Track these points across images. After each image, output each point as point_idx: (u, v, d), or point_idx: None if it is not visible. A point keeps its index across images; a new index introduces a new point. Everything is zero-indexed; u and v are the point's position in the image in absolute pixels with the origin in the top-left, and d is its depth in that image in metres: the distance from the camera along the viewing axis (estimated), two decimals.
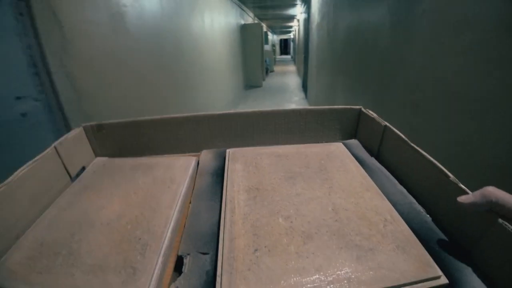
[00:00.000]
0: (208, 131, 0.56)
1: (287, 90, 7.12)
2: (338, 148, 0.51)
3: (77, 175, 0.51)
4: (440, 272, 0.29)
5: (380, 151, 0.51)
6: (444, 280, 0.28)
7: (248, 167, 0.45)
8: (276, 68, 12.13)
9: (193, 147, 0.57)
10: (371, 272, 0.29)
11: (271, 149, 0.51)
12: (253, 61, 7.04)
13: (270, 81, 8.72)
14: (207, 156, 0.52)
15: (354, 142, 0.56)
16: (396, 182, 0.44)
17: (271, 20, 10.27)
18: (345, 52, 2.23)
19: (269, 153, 0.49)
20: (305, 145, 0.53)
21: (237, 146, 0.54)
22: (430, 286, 0.28)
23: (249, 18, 7.53)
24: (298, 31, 10.02)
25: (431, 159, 0.39)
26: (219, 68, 4.14)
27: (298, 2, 6.60)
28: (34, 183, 0.43)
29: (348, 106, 0.56)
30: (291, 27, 14.14)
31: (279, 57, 19.84)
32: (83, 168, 0.53)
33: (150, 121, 0.55)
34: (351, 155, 0.49)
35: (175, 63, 2.31)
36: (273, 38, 15.96)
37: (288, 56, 20.74)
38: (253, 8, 7.14)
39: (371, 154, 0.52)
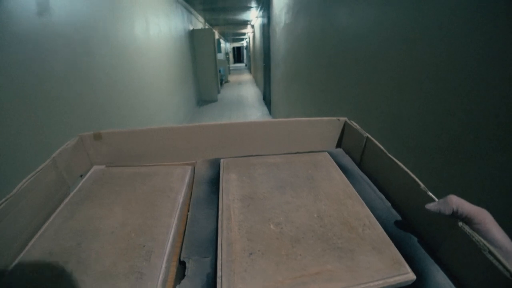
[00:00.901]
0: (203, 140, 0.59)
1: (246, 104, 6.34)
2: (324, 157, 0.56)
3: (76, 183, 0.53)
4: (409, 269, 0.34)
5: (362, 159, 0.56)
6: (412, 276, 0.33)
7: (242, 177, 0.49)
8: (231, 78, 11.49)
9: (188, 156, 0.60)
10: (350, 271, 0.33)
11: (262, 159, 0.55)
12: (205, 72, 6.26)
13: (226, 93, 7.95)
14: (202, 166, 0.56)
15: (339, 151, 0.61)
16: (376, 189, 0.49)
17: (223, 26, 9.63)
18: (342, 58, 1.57)
19: (261, 163, 0.53)
20: (294, 154, 0.57)
21: (230, 154, 0.57)
22: (399, 281, 0.33)
23: (199, 24, 6.76)
24: (253, 37, 9.53)
25: (405, 169, 0.44)
26: (164, 83, 3.53)
27: (253, 5, 5.99)
28: (35, 195, 0.45)
29: (334, 118, 0.61)
30: (244, 34, 13.63)
31: (233, 65, 19.54)
32: (81, 176, 0.55)
33: (146, 130, 0.58)
34: (335, 165, 0.53)
35: (97, 83, 1.81)
36: (226, 46, 15.20)
37: (242, 64, 20.50)
38: (203, 11, 6.33)
39: (355, 162, 0.57)
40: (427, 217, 0.39)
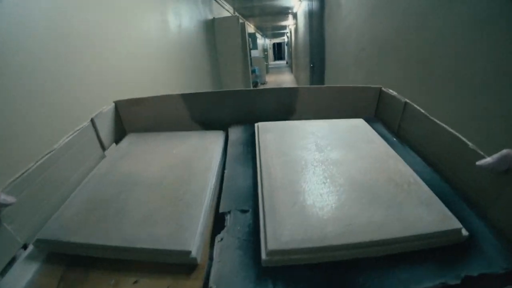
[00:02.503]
0: (234, 107, 0.59)
1: None
2: (361, 123, 0.54)
3: (111, 148, 0.54)
4: (460, 225, 0.31)
5: (400, 126, 0.53)
6: (464, 232, 0.31)
7: (278, 137, 0.48)
8: (270, 78, 9.63)
9: (221, 121, 0.59)
10: (399, 221, 0.31)
11: (297, 123, 0.53)
12: (231, 73, 4.23)
13: None
14: (236, 130, 0.55)
15: (375, 119, 0.59)
16: (416, 154, 0.47)
17: (259, 17, 7.79)
18: None
19: (297, 126, 0.52)
20: (330, 120, 0.55)
21: (263, 121, 0.56)
22: (452, 235, 0.31)
23: (226, 13, 4.96)
24: (296, 30, 7.75)
25: (452, 130, 0.41)
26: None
27: None
28: (75, 152, 0.46)
29: (369, 85, 0.58)
30: (284, 28, 11.63)
31: (272, 63, 17.30)
32: (116, 143, 0.56)
33: (177, 96, 0.58)
34: (373, 130, 0.51)
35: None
36: (265, 42, 13.85)
37: (282, 62, 18.00)
38: None
39: (392, 131, 0.55)
40: (476, 176, 0.36)
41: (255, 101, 0.58)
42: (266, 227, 0.31)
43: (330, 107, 0.60)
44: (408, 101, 0.51)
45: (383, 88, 0.58)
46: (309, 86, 0.56)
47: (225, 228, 0.34)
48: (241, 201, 0.38)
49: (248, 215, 0.36)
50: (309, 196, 0.35)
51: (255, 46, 7.26)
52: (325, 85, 0.58)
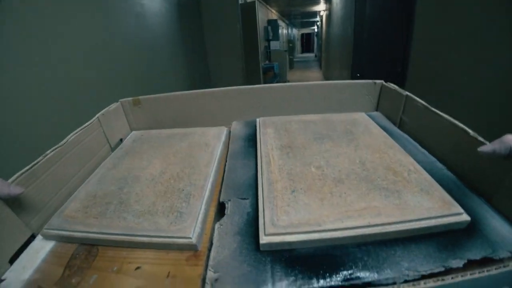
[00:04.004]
0: (238, 103, 0.60)
1: None
2: (361, 116, 0.54)
3: (116, 145, 0.55)
4: (461, 210, 0.31)
5: (402, 120, 0.53)
6: (466, 217, 0.30)
7: (279, 131, 0.48)
8: (293, 75, 7.26)
9: (223, 120, 0.60)
10: (398, 208, 0.31)
11: (298, 117, 0.54)
12: (226, 72, 3.01)
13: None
14: (238, 126, 0.56)
15: (376, 113, 0.59)
16: (418, 145, 0.47)
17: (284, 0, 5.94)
18: None
19: (297, 120, 0.52)
20: (330, 114, 0.56)
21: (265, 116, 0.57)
22: (453, 221, 0.30)
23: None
24: (329, 16, 5.88)
25: (453, 120, 0.41)
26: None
27: None
28: (82, 148, 0.47)
29: (370, 80, 0.59)
30: (315, 15, 9.55)
31: (299, 55, 14.95)
32: (121, 140, 0.57)
33: (182, 95, 0.59)
34: (373, 122, 0.51)
35: None
36: (291, 32, 11.72)
37: (311, 55, 15.42)
38: None
39: (394, 124, 0.55)
40: (479, 163, 0.36)
41: (256, 98, 0.59)
42: (264, 212, 0.32)
43: (333, 102, 0.61)
44: (408, 93, 0.51)
45: (384, 83, 0.58)
46: (311, 82, 0.57)
47: (225, 216, 0.35)
48: (241, 190, 0.39)
49: (248, 202, 0.36)
50: (307, 184, 0.35)
51: (276, 37, 5.82)
52: (327, 81, 0.58)
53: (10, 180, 0.34)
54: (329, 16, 5.45)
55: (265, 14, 5.47)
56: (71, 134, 0.46)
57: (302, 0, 5.95)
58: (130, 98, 0.59)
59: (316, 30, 13.53)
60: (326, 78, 5.99)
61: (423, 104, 0.47)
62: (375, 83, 0.59)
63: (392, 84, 0.56)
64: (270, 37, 5.07)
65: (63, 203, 0.39)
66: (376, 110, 0.61)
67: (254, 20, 3.38)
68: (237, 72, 3.01)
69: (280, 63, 5.65)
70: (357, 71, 2.30)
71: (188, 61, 2.52)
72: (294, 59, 10.34)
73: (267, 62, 5.40)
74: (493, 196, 0.34)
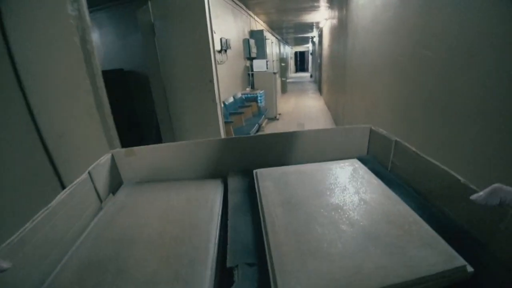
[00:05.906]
0: (232, 153, 0.60)
1: None
2: (355, 163, 0.55)
3: (108, 199, 0.53)
4: (465, 262, 0.32)
5: (393, 163, 0.55)
6: (469, 268, 0.32)
7: (278, 184, 0.49)
8: (286, 104, 5.97)
9: (218, 168, 0.60)
10: (405, 266, 0.32)
11: (294, 168, 0.55)
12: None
13: None
14: (234, 176, 0.55)
15: (368, 157, 0.61)
16: (412, 190, 0.49)
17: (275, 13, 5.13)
18: None
19: (293, 171, 0.53)
20: (325, 163, 0.57)
21: (259, 166, 0.57)
22: (457, 273, 0.32)
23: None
24: (340, 23, 3.68)
25: (443, 167, 0.43)
26: None
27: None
28: (71, 207, 0.45)
29: (359, 125, 0.61)
30: (311, 28, 7.89)
31: (293, 75, 13.61)
32: (113, 193, 0.55)
33: (174, 145, 0.59)
34: (367, 169, 0.53)
35: None
36: (283, 50, 10.58)
37: (305, 74, 13.98)
38: None
39: (384, 167, 0.57)
40: (472, 210, 0.38)
41: (250, 147, 0.60)
42: (276, 280, 0.31)
43: (326, 148, 0.62)
44: (398, 139, 0.53)
45: (372, 127, 0.61)
46: (303, 130, 0.59)
47: (234, 284, 0.34)
48: (247, 253, 0.38)
49: (256, 268, 0.35)
50: (314, 245, 0.35)
51: (261, 53, 4.44)
52: (320, 128, 0.60)
53: None
54: (337, 26, 3.83)
55: (246, 22, 4.14)
56: (61, 194, 0.44)
57: (296, 4, 4.59)
58: (122, 149, 0.57)
59: (310, 48, 12.09)
60: (328, 105, 4.52)
61: (413, 150, 0.50)
62: (363, 127, 0.62)
63: (381, 129, 0.59)
64: (253, 55, 3.70)
65: (54, 268, 0.36)
66: (368, 152, 0.63)
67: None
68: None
69: (267, 91, 4.35)
70: None
71: None
72: (287, 80, 9.11)
73: (248, 90, 4.27)
74: (490, 242, 0.35)
